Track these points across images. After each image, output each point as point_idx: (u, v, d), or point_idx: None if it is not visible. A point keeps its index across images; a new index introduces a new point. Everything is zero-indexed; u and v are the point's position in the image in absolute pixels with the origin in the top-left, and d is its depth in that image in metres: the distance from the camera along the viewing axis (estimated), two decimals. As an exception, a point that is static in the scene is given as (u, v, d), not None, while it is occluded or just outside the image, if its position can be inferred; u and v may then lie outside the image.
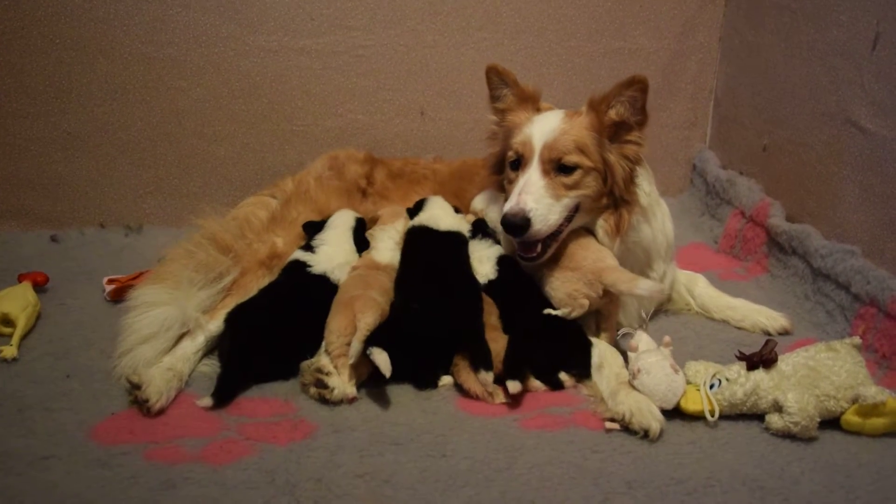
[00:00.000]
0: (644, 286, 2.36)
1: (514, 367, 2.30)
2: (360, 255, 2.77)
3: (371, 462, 2.02)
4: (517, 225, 2.46)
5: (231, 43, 3.61)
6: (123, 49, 3.53)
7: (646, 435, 2.14)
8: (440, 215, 2.82)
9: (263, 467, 1.98)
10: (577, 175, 2.54)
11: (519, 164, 2.60)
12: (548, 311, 2.46)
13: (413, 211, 2.91)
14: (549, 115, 2.64)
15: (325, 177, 3.13)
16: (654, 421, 2.14)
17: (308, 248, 2.74)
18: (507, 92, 2.75)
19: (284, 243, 2.80)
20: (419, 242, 2.74)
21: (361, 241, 2.82)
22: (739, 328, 2.82)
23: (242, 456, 2.03)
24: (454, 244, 2.75)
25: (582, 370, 2.40)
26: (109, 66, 3.54)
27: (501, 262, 2.70)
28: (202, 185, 3.77)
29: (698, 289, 2.96)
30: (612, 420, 2.21)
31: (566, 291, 2.48)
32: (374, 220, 2.92)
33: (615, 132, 2.59)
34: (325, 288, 2.58)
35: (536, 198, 2.49)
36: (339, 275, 2.65)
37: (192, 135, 3.69)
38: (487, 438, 2.14)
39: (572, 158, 2.52)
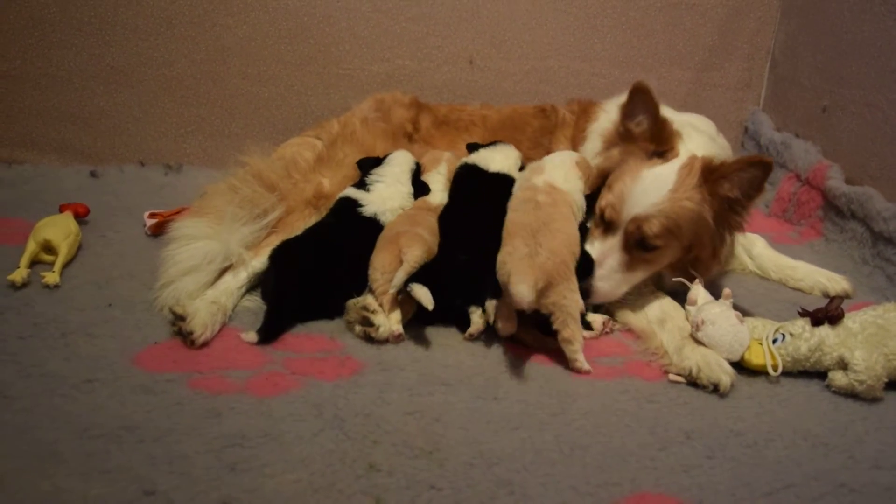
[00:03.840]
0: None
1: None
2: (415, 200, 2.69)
3: (421, 401, 1.97)
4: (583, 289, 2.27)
5: (279, -20, 3.54)
6: (170, -19, 3.46)
7: (715, 389, 2.08)
8: (496, 158, 2.72)
9: (310, 401, 1.94)
10: (657, 252, 2.33)
11: (603, 219, 2.40)
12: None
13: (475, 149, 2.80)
14: (659, 176, 2.31)
15: (372, 119, 3.05)
16: (724, 374, 2.08)
17: (361, 185, 2.65)
18: (643, 119, 2.40)
19: (330, 184, 2.73)
20: (466, 182, 2.65)
21: (418, 186, 2.72)
22: (797, 289, 2.73)
23: (289, 389, 1.99)
24: (502, 187, 2.63)
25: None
26: (156, -2, 3.48)
27: None
28: (244, 127, 3.70)
29: (757, 249, 2.86)
30: (677, 374, 2.15)
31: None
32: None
33: (722, 205, 2.31)
34: (373, 230, 2.50)
35: (606, 273, 2.34)
36: (389, 218, 2.57)
37: (237, 74, 3.62)
38: (539, 384, 2.09)
39: (657, 242, 2.30)
